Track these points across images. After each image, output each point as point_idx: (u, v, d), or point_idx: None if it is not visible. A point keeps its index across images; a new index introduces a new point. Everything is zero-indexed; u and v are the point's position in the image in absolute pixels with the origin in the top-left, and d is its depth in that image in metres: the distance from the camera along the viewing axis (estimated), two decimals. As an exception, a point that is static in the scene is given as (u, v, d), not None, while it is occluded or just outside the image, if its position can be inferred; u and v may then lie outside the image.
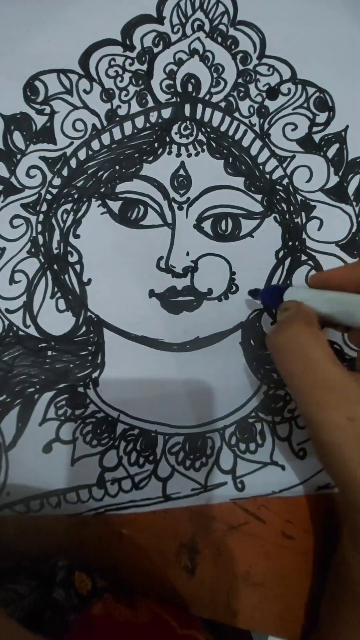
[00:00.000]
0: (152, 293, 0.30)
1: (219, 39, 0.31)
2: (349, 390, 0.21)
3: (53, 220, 0.30)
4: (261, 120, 0.31)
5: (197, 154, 0.31)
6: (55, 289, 0.30)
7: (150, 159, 0.30)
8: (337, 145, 0.32)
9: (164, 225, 0.30)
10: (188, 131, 0.31)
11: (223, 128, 0.31)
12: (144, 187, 0.30)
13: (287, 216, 0.31)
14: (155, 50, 0.30)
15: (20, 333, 0.29)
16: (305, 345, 0.22)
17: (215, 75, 0.31)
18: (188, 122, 0.31)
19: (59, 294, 0.30)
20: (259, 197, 0.31)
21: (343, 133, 0.32)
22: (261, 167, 0.31)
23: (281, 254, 0.31)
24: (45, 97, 0.30)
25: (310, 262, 0.32)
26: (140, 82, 0.30)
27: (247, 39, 0.31)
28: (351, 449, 0.21)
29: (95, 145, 0.30)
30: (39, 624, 0.24)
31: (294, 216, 0.31)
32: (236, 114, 0.31)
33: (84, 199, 0.30)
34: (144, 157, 0.30)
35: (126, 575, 0.29)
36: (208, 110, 0.31)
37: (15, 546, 0.28)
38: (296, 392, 0.23)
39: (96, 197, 0.30)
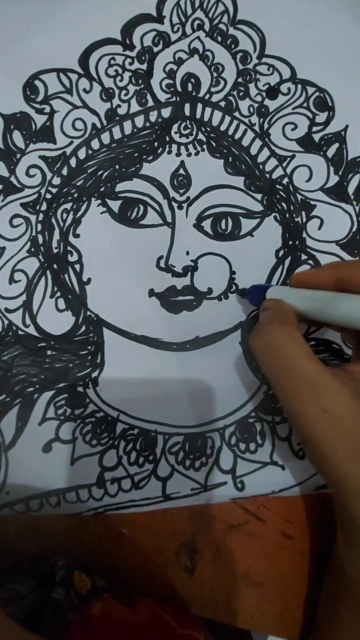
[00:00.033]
0: (151, 292, 0.30)
1: (219, 39, 0.31)
2: (323, 384, 0.22)
3: (53, 220, 0.30)
4: (261, 120, 0.31)
5: (197, 154, 0.31)
6: (55, 289, 0.30)
7: (150, 158, 0.30)
8: (336, 145, 0.32)
9: (163, 224, 0.30)
10: (188, 130, 0.31)
11: (223, 127, 0.31)
12: (143, 186, 0.30)
13: (287, 215, 0.31)
14: (155, 49, 0.30)
15: (20, 332, 0.29)
16: (281, 345, 0.23)
17: (215, 74, 0.31)
18: (188, 121, 0.31)
19: (58, 294, 0.30)
20: (259, 196, 0.31)
21: (343, 133, 0.32)
22: (261, 166, 0.31)
23: (281, 253, 0.31)
24: (45, 96, 0.30)
25: (310, 262, 0.32)
26: (140, 81, 0.30)
27: (247, 39, 0.31)
28: (327, 440, 0.21)
29: (95, 144, 0.30)
30: (39, 623, 0.24)
31: (294, 215, 0.31)
32: (236, 114, 0.31)
33: (84, 199, 0.30)
34: (144, 157, 0.30)
35: (126, 575, 0.29)
36: (208, 110, 0.31)
37: (14, 546, 0.28)
38: (277, 389, 0.24)
39: (96, 196, 0.30)
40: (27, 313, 0.29)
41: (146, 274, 0.30)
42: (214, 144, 0.31)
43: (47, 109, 0.30)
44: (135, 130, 0.30)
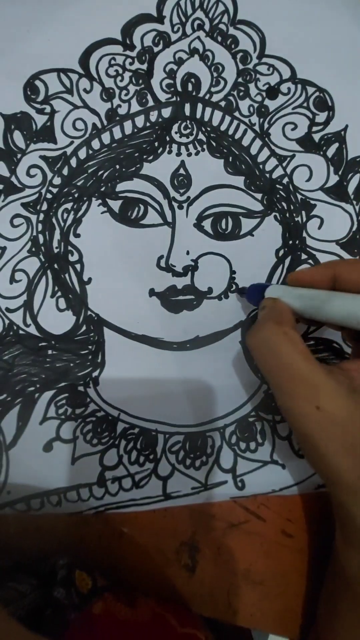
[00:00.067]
0: (152, 292, 0.30)
1: (219, 38, 0.31)
2: (317, 382, 0.22)
3: (53, 220, 0.30)
4: (261, 120, 0.31)
5: (197, 153, 0.31)
6: (56, 288, 0.30)
7: (151, 158, 0.30)
8: (336, 145, 0.32)
9: (164, 224, 0.30)
10: (188, 130, 0.31)
11: (223, 127, 0.31)
12: (144, 186, 0.30)
13: (287, 215, 0.31)
14: (156, 49, 0.30)
15: (21, 332, 0.29)
16: (275, 343, 0.23)
17: (215, 74, 0.31)
18: (188, 121, 0.31)
19: (59, 293, 0.30)
20: (259, 196, 0.31)
21: (343, 132, 0.32)
22: (261, 166, 0.31)
23: (281, 252, 0.31)
24: (46, 96, 0.30)
25: (310, 261, 0.32)
26: (141, 81, 0.30)
27: (247, 39, 0.31)
28: (320, 437, 0.22)
29: (96, 144, 0.30)
30: (40, 622, 0.24)
31: (294, 215, 0.31)
32: (236, 114, 0.31)
33: (84, 198, 0.30)
34: (144, 157, 0.30)
35: (126, 574, 0.29)
36: (208, 110, 0.31)
37: (15, 545, 0.28)
38: (272, 387, 0.24)
39: (96, 196, 0.30)
40: (28, 313, 0.30)
41: (146, 274, 0.30)
42: (214, 144, 0.31)
43: (48, 109, 0.30)
44: (135, 130, 0.30)
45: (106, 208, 0.30)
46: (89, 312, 0.30)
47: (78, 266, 0.30)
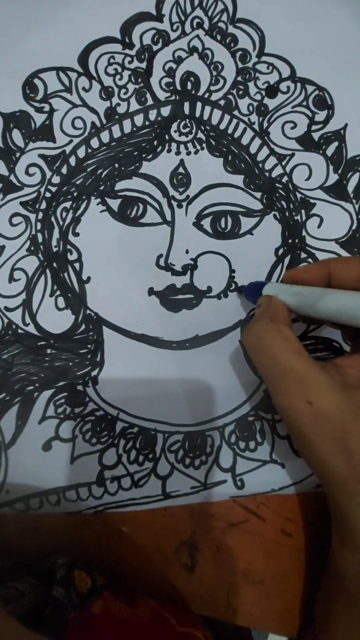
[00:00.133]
0: (151, 291, 0.30)
1: (218, 37, 0.31)
2: (309, 377, 0.22)
3: (52, 218, 0.30)
4: (260, 119, 0.31)
5: (196, 152, 0.31)
6: (55, 287, 0.30)
7: (150, 157, 0.30)
8: (336, 144, 0.32)
9: (163, 223, 0.30)
10: (187, 129, 0.31)
11: (222, 126, 0.31)
12: (143, 185, 0.30)
13: (286, 214, 0.31)
14: (155, 48, 0.30)
15: (20, 331, 0.29)
16: (268, 340, 0.24)
17: (214, 73, 0.31)
18: (187, 120, 0.31)
19: (58, 292, 0.30)
20: (258, 194, 0.31)
21: (342, 131, 0.32)
22: (260, 165, 0.31)
23: (281, 251, 0.31)
24: (45, 95, 0.30)
25: (309, 260, 0.32)
26: (140, 80, 0.30)
27: (247, 37, 0.31)
28: (313, 433, 0.22)
29: (95, 143, 0.30)
30: (39, 621, 0.24)
31: (293, 214, 0.31)
32: (235, 112, 0.31)
33: (83, 197, 0.30)
34: (143, 155, 0.30)
35: (126, 573, 0.29)
36: (207, 108, 0.31)
37: (15, 544, 0.28)
38: (267, 383, 0.24)
39: (95, 195, 0.30)
40: (27, 312, 0.30)
41: (146, 273, 0.30)
42: (213, 143, 0.31)
43: (47, 107, 0.30)
44: (134, 128, 0.30)
45: (105, 207, 0.30)
46: (88, 311, 0.30)
47: (77, 265, 0.30)
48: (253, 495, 0.30)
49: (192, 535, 0.29)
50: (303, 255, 0.32)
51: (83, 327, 0.30)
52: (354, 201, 0.32)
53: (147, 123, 0.30)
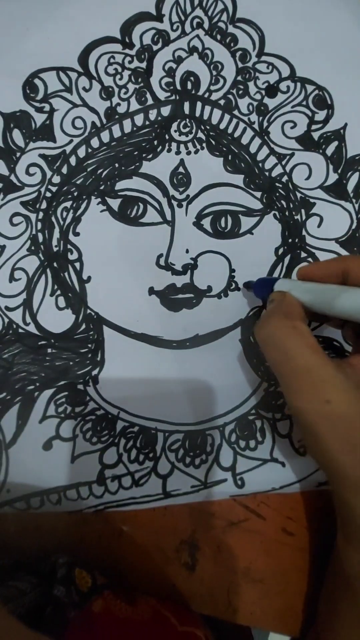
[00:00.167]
0: (151, 290, 0.30)
1: (218, 37, 0.31)
2: (325, 375, 0.22)
3: (53, 218, 0.30)
4: (260, 118, 0.31)
5: (196, 152, 0.31)
6: (55, 287, 0.30)
7: (150, 156, 0.30)
8: (336, 143, 0.32)
9: (163, 222, 0.30)
10: (187, 129, 0.31)
11: (222, 126, 0.31)
12: (143, 184, 0.30)
13: (286, 213, 0.31)
14: (155, 47, 0.30)
15: (20, 331, 0.29)
16: (283, 336, 0.23)
17: (214, 72, 0.31)
18: (187, 119, 0.31)
19: (58, 292, 0.30)
20: (258, 194, 0.31)
21: (342, 131, 0.32)
22: (260, 164, 0.31)
23: (281, 251, 0.31)
24: (45, 95, 0.30)
25: (309, 259, 0.32)
26: (140, 79, 0.30)
27: (246, 37, 0.31)
28: (326, 431, 0.21)
29: (95, 143, 0.30)
30: (40, 620, 0.24)
31: (293, 213, 0.31)
32: (235, 112, 0.31)
33: (84, 197, 0.30)
34: (144, 155, 0.30)
35: (126, 572, 0.29)
36: (207, 108, 0.31)
37: (15, 543, 0.28)
38: (279, 380, 0.24)
39: (96, 194, 0.30)
40: (28, 311, 0.30)
41: (146, 272, 0.30)
42: (213, 142, 0.31)
43: (47, 107, 0.30)
44: (134, 128, 0.30)
45: (105, 206, 0.30)
46: (89, 311, 0.30)
47: (77, 265, 0.30)
48: (253, 494, 0.30)
49: (193, 534, 0.30)
50: (303, 254, 0.32)
51: (83, 326, 0.30)
52: (354, 200, 0.32)
53: (147, 123, 0.30)
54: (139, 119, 0.30)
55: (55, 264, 0.30)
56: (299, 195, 0.32)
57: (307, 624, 0.29)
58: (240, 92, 0.31)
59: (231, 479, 0.30)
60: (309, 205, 0.32)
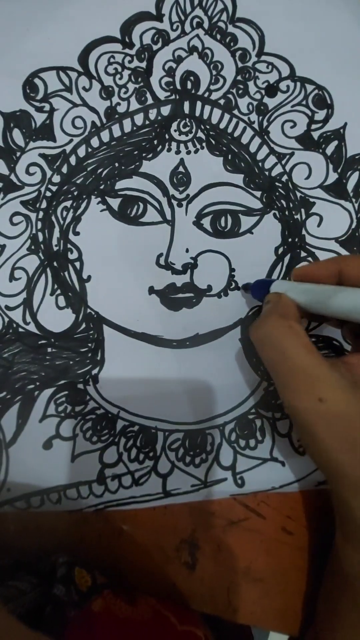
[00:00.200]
0: (151, 290, 0.30)
1: (218, 36, 0.31)
2: (319, 374, 0.22)
3: (53, 218, 0.30)
4: (260, 118, 0.31)
5: (196, 151, 0.31)
6: (55, 286, 0.30)
7: (150, 156, 0.30)
8: (335, 143, 0.32)
9: (163, 222, 0.31)
10: (187, 128, 0.31)
11: (222, 125, 0.31)
12: (143, 184, 0.30)
13: (286, 213, 0.31)
14: (155, 47, 0.30)
15: (20, 330, 0.29)
16: (278, 336, 0.23)
17: (214, 72, 0.31)
18: (187, 119, 0.31)
19: (58, 291, 0.30)
20: (258, 193, 0.31)
21: (342, 130, 0.32)
22: (260, 164, 0.31)
23: (281, 250, 0.31)
24: (45, 94, 0.30)
25: (309, 259, 0.32)
26: (140, 79, 0.30)
27: (246, 36, 0.31)
28: (322, 430, 0.22)
29: (95, 142, 0.30)
30: (40, 620, 0.24)
31: (293, 213, 0.32)
32: (235, 111, 0.31)
33: (84, 196, 0.30)
34: (144, 154, 0.30)
35: (126, 572, 0.29)
36: (207, 108, 0.31)
37: (15, 543, 0.28)
38: (275, 380, 0.24)
39: (96, 194, 0.30)
40: (28, 310, 0.30)
41: (146, 272, 0.30)
42: (213, 142, 0.31)
43: (47, 107, 0.30)
44: (134, 128, 0.30)
45: (105, 206, 0.30)
46: (89, 310, 0.30)
47: (77, 264, 0.30)
48: (253, 493, 0.30)
49: (193, 533, 0.30)
50: (303, 254, 0.32)
51: (83, 325, 0.30)
52: (354, 200, 0.32)
53: (147, 122, 0.30)
54: (138, 119, 0.30)
55: (55, 264, 0.30)
56: (298, 194, 0.32)
57: (306, 623, 0.29)
58: (240, 91, 0.31)
59: (231, 478, 0.30)
60: (309, 205, 0.32)
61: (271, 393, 0.31)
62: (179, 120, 0.31)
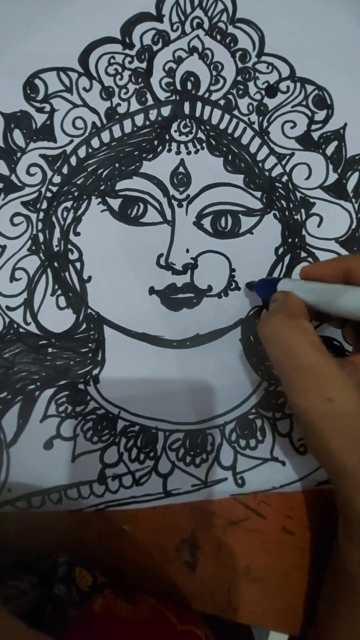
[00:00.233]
0: (152, 290, 0.31)
1: (218, 37, 0.31)
2: (328, 373, 0.22)
3: (53, 218, 0.30)
4: (260, 118, 0.31)
5: (196, 152, 0.31)
6: (56, 287, 0.30)
7: (150, 156, 0.30)
8: (335, 143, 0.32)
9: (163, 222, 0.31)
10: (187, 129, 0.31)
11: (222, 126, 0.31)
12: (143, 184, 0.30)
13: (286, 213, 0.32)
14: (155, 48, 0.30)
15: (21, 330, 0.29)
16: (286, 334, 0.23)
17: (214, 73, 0.31)
18: (187, 119, 0.31)
19: (59, 292, 0.30)
20: (258, 194, 0.31)
21: (342, 131, 0.32)
22: (260, 164, 0.31)
23: (281, 250, 0.32)
24: (45, 95, 0.30)
25: (309, 259, 0.32)
26: (140, 80, 0.30)
27: (246, 37, 0.31)
28: (328, 429, 0.21)
29: (95, 143, 0.30)
30: (40, 620, 0.24)
31: (293, 213, 0.32)
32: (235, 112, 0.31)
33: (84, 197, 0.30)
34: (144, 155, 0.30)
35: (127, 571, 0.29)
36: (207, 108, 0.31)
37: (16, 543, 0.28)
38: (281, 378, 0.24)
39: (96, 194, 0.30)
40: (28, 311, 0.30)
41: (146, 272, 0.31)
42: (213, 142, 0.31)
43: (48, 107, 0.30)
44: (135, 128, 0.30)
45: (106, 206, 0.30)
46: (89, 310, 0.30)
47: (78, 264, 0.30)
48: (254, 493, 0.30)
49: (193, 533, 0.30)
50: (303, 254, 0.32)
51: (84, 326, 0.30)
52: (354, 200, 0.32)
53: (147, 123, 0.30)
54: (139, 119, 0.30)
55: (55, 264, 0.30)
56: (298, 195, 0.32)
57: (307, 622, 0.29)
58: (240, 92, 0.31)
59: (231, 478, 0.30)
60: (309, 205, 0.32)
61: (271, 393, 0.31)
62: (179, 120, 0.31)
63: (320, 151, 0.32)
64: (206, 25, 0.31)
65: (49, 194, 0.30)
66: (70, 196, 0.30)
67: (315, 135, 0.32)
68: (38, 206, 0.30)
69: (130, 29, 0.30)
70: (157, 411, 0.30)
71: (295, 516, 0.30)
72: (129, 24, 0.30)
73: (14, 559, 0.28)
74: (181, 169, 0.31)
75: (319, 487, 0.31)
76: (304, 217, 0.32)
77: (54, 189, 0.30)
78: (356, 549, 0.24)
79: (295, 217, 0.32)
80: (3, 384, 0.29)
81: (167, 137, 0.31)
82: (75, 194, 0.30)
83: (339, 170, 0.32)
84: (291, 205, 0.32)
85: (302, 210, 0.32)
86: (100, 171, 0.30)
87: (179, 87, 0.31)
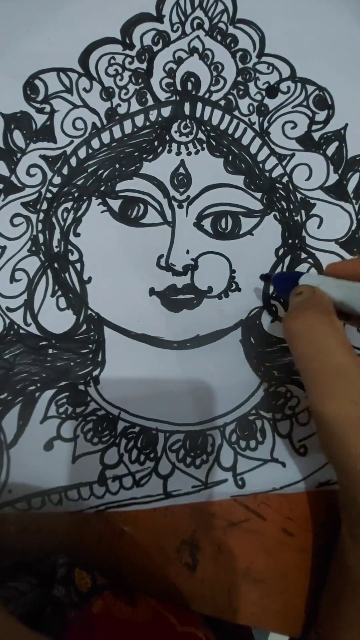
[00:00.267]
0: (152, 291, 0.30)
1: (219, 37, 0.31)
2: (356, 376, 0.21)
3: (53, 219, 0.30)
4: (261, 119, 0.31)
5: (197, 152, 0.31)
6: (56, 288, 0.30)
7: (150, 157, 0.30)
8: (336, 144, 0.32)
9: (164, 223, 0.31)
10: (188, 129, 0.31)
11: (223, 126, 0.31)
12: (144, 185, 0.30)
13: (287, 214, 0.31)
14: (155, 48, 0.30)
15: (21, 331, 0.29)
16: (320, 331, 0.22)
17: (214, 73, 0.31)
18: (188, 120, 0.31)
19: (59, 293, 0.30)
20: (258, 195, 0.31)
21: (342, 131, 0.32)
22: (261, 165, 0.31)
23: (281, 252, 0.31)
24: (45, 95, 0.30)
25: (310, 260, 0.32)
26: (140, 80, 0.30)
27: (247, 37, 0.31)
28: (352, 434, 0.21)
29: (95, 143, 0.30)
30: (40, 621, 0.24)
31: (293, 214, 0.32)
32: (236, 112, 0.31)
33: (84, 198, 0.30)
34: (144, 156, 0.30)
35: (127, 573, 0.29)
36: (208, 109, 0.31)
37: (16, 544, 0.28)
38: (305, 376, 0.23)
39: (96, 195, 0.30)
40: (29, 312, 0.30)
41: (146, 273, 0.30)
42: (213, 143, 0.31)
43: (48, 108, 0.30)
44: (135, 129, 0.30)
45: (106, 207, 0.30)
46: (89, 311, 0.30)
47: (78, 265, 0.30)
48: (254, 494, 0.30)
49: (193, 534, 0.30)
50: (303, 255, 0.32)
51: (84, 327, 0.30)
52: (354, 201, 0.32)
53: (147, 123, 0.30)
54: (139, 120, 0.30)
55: (56, 265, 0.30)
56: (299, 196, 0.32)
57: (308, 624, 0.29)
58: (241, 92, 0.31)
59: (232, 479, 0.30)
60: (309, 206, 0.32)
61: (271, 394, 0.31)
62: (179, 121, 0.31)
63: (321, 152, 0.32)
64: (206, 26, 0.30)
65: (49, 195, 0.30)
66: (71, 197, 0.30)
67: (316, 136, 0.32)
68: (38, 207, 0.30)
69: (131, 29, 0.30)
70: (158, 412, 0.30)
71: (296, 517, 0.30)
72: (129, 24, 0.30)
73: (14, 560, 0.28)
74: (181, 170, 0.31)
75: (319, 489, 0.31)
76: (304, 218, 0.32)
77: (54, 189, 0.30)
78: None
79: (296, 218, 0.32)
80: (3, 385, 0.29)
81: (167, 137, 0.31)
82: (76, 194, 0.30)
83: (339, 171, 0.32)
84: (291, 207, 0.32)
85: (303, 212, 0.32)
86: (100, 172, 0.30)
87: (179, 88, 0.31)
